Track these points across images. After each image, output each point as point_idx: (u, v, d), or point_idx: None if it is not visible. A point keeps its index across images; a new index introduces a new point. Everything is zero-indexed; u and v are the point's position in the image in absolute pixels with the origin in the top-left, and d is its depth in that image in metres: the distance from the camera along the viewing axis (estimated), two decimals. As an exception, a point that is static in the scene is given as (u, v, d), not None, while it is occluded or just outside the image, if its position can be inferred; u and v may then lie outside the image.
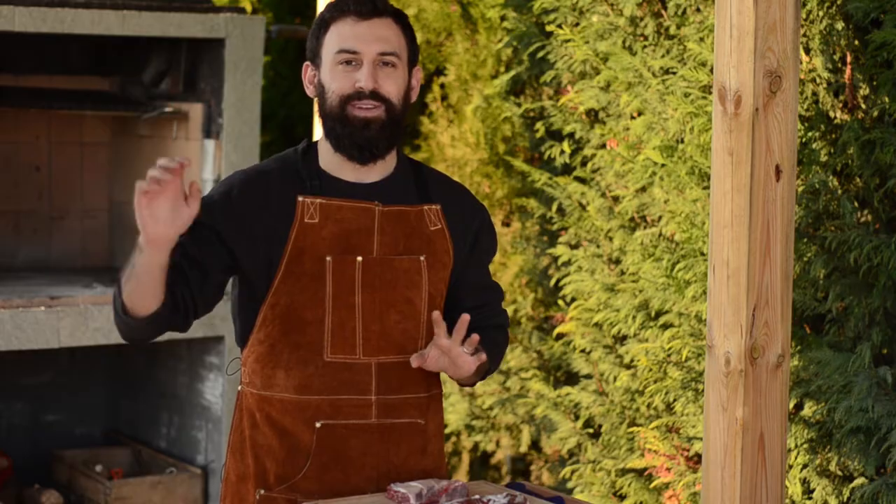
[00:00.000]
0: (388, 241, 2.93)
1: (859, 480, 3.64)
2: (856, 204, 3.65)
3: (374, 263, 2.91)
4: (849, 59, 3.66)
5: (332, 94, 2.89)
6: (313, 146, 2.99)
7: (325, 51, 2.91)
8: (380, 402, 2.93)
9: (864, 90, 3.64)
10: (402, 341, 2.94)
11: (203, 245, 2.88)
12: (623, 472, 4.49)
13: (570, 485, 4.73)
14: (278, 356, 2.92)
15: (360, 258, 2.90)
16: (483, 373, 3.01)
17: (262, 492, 2.93)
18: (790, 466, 3.76)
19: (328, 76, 2.90)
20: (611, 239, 4.55)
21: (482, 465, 5.69)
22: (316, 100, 2.96)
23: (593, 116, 4.70)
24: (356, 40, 2.87)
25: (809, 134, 3.71)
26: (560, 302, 4.89)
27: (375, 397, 2.93)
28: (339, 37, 2.89)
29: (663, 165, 4.11)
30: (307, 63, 2.97)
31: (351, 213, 2.91)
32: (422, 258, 2.95)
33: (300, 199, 2.89)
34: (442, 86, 5.81)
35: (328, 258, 2.88)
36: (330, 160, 2.95)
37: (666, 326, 4.24)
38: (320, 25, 2.93)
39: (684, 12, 4.17)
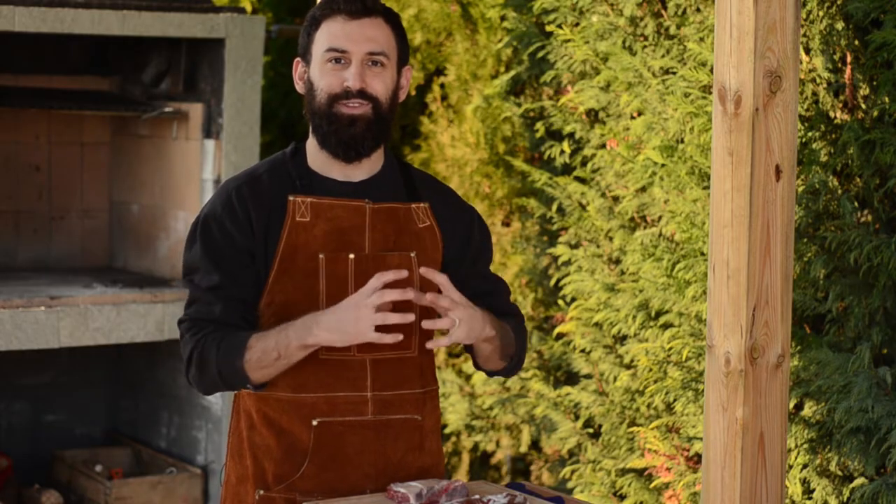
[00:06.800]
0: (380, 238, 2.94)
1: (859, 480, 3.64)
2: (856, 204, 3.65)
3: (367, 260, 2.92)
4: (849, 59, 3.66)
5: (320, 92, 2.91)
6: (302, 147, 3.01)
7: (315, 48, 2.93)
8: (375, 398, 2.94)
9: (864, 90, 3.64)
10: None
11: (238, 269, 2.91)
12: (623, 472, 4.49)
13: (570, 485, 4.73)
14: (274, 354, 2.92)
15: (352, 255, 2.91)
16: (509, 357, 3.01)
17: (262, 492, 2.93)
18: (790, 466, 3.76)
19: (317, 73, 2.92)
20: (611, 239, 4.55)
21: (482, 465, 5.69)
22: (305, 96, 2.98)
23: (593, 116, 4.69)
24: (345, 39, 2.89)
25: (809, 134, 3.70)
26: (560, 302, 4.89)
27: (371, 394, 2.93)
28: (328, 35, 2.91)
29: (663, 165, 4.11)
30: (298, 59, 2.99)
31: (342, 212, 2.92)
32: (412, 254, 2.95)
33: (291, 198, 2.91)
34: (442, 86, 5.81)
35: (321, 256, 2.89)
36: (318, 159, 2.97)
37: (666, 326, 4.24)
38: (311, 23, 2.95)
39: (684, 12, 4.17)
